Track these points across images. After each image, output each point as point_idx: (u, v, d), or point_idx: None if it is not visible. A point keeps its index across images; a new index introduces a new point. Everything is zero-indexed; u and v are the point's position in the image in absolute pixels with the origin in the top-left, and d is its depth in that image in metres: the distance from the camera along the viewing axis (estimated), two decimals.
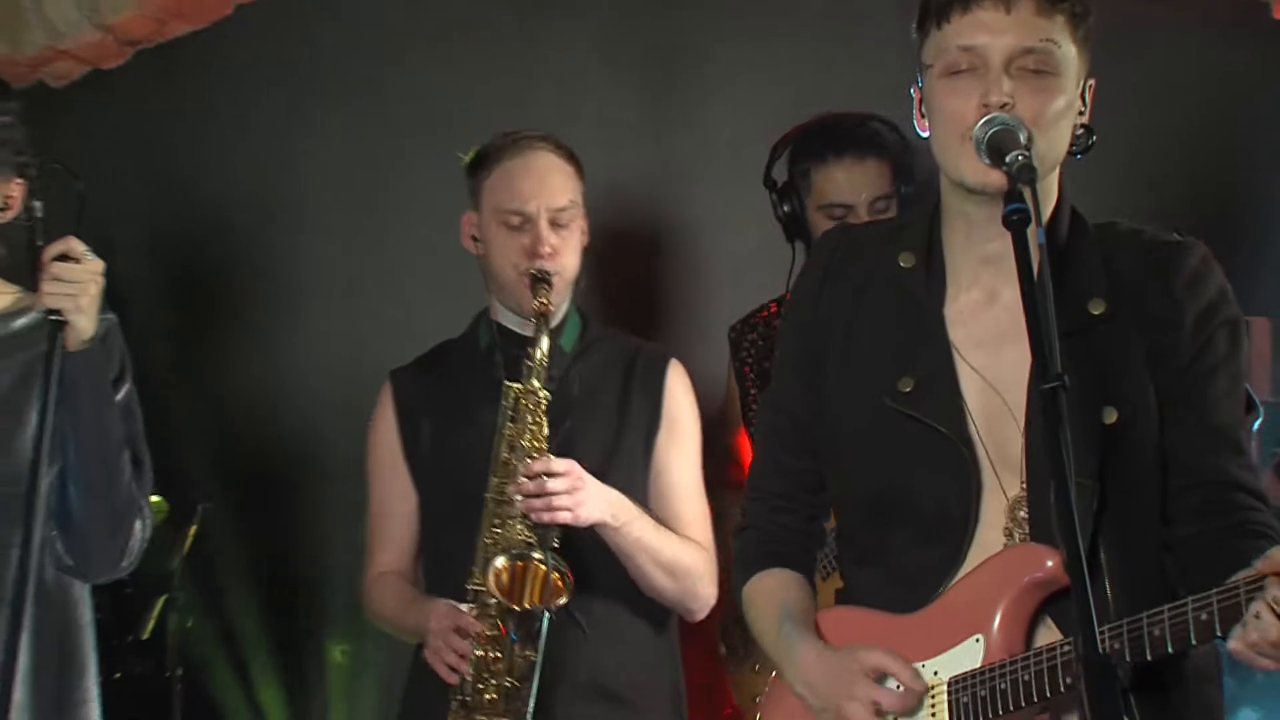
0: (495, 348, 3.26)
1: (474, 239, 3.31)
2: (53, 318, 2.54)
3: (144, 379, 2.80)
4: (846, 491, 2.39)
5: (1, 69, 2.95)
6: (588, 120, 4.13)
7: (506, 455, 3.12)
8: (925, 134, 2.31)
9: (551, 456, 3.07)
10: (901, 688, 2.21)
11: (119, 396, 2.71)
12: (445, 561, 3.19)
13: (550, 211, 3.20)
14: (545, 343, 3.12)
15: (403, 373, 3.40)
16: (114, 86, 4.44)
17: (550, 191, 3.22)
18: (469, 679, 3.02)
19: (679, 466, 3.25)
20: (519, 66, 4.35)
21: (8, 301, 2.76)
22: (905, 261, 2.35)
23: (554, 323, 3.19)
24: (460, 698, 3.04)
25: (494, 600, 3.02)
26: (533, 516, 3.04)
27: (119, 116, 4.42)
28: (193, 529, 3.98)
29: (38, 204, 2.72)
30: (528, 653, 3.03)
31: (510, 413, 3.13)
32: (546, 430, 3.11)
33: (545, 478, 3.03)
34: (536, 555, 3.03)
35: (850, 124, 3.61)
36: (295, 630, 4.31)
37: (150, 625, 3.92)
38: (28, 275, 2.70)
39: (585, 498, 3.04)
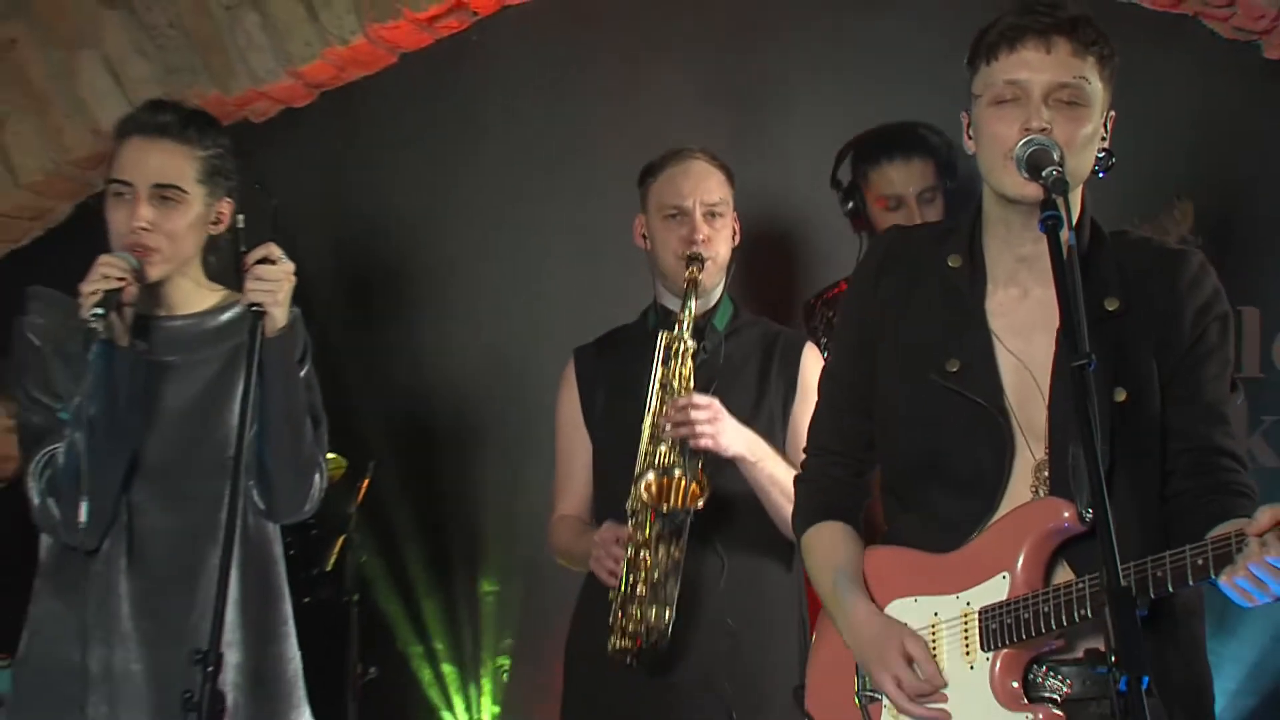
0: (659, 326, 3.21)
1: (643, 237, 3.29)
2: (254, 309, 2.56)
3: (326, 360, 2.82)
4: (896, 451, 2.36)
5: (214, 108, 3.00)
6: (685, 143, 4.10)
7: (659, 392, 3.09)
8: (972, 152, 2.28)
9: (696, 393, 3.04)
10: (925, 669, 2.20)
11: (302, 373, 2.73)
12: (613, 499, 3.14)
13: (704, 206, 3.19)
14: (693, 304, 3.11)
15: (583, 350, 3.38)
16: (302, 122, 4.47)
17: (705, 190, 3.20)
18: (625, 578, 3.00)
19: None
20: (627, 101, 4.33)
21: (218, 299, 2.79)
22: (953, 262, 2.32)
23: (703, 292, 3.16)
24: (618, 594, 3.02)
25: (645, 510, 2.99)
26: (677, 440, 3.01)
27: (306, 146, 4.45)
28: (365, 481, 3.98)
29: (241, 217, 2.76)
30: (673, 551, 3.00)
31: (662, 355, 3.11)
32: (692, 375, 3.08)
33: (691, 409, 2.99)
34: (678, 471, 3.00)
35: (899, 130, 3.62)
36: (447, 565, 4.33)
37: (332, 560, 3.95)
38: (233, 277, 2.74)
39: (724, 428, 3.00)
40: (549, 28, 4.38)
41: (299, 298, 2.69)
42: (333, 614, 3.91)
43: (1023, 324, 2.26)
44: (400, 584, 4.29)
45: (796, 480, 2.51)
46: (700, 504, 2.98)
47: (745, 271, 4.21)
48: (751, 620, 3.12)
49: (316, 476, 2.74)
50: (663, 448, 3.04)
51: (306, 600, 3.84)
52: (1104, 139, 2.23)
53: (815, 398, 3.18)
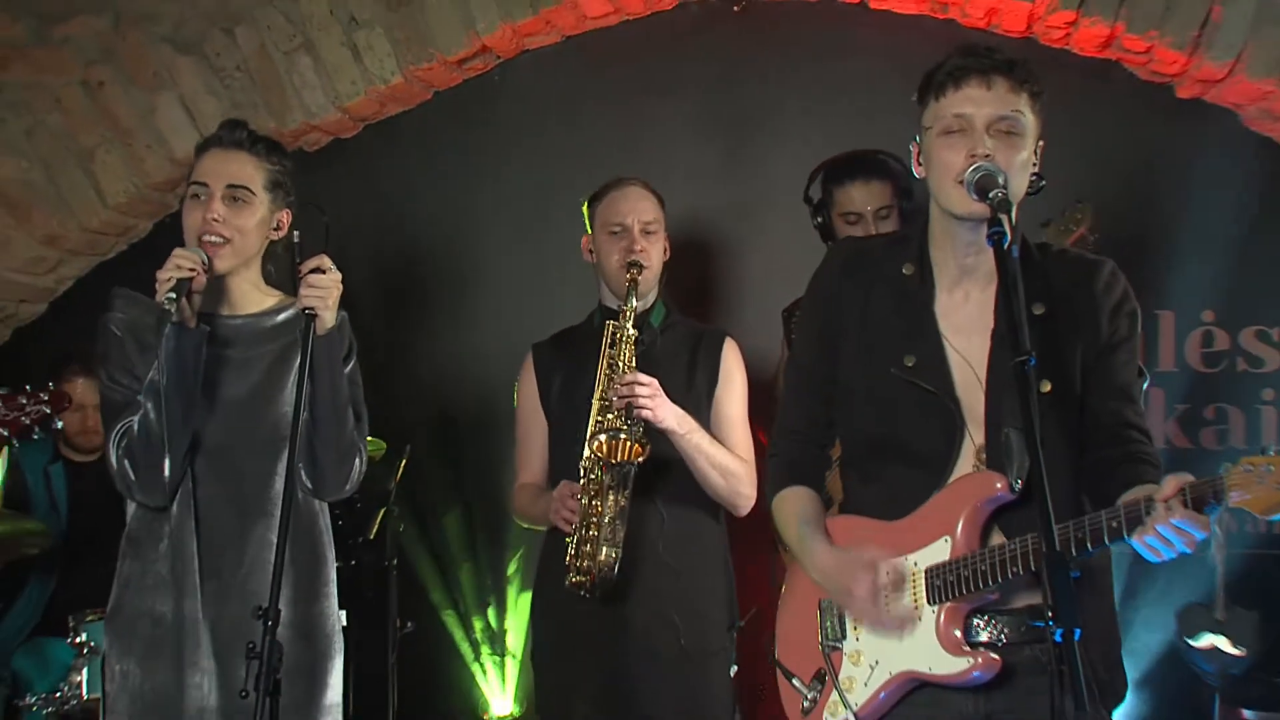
0: (604, 321, 3.28)
1: (589, 251, 3.38)
2: (307, 312, 2.57)
3: (368, 355, 2.82)
4: (857, 432, 2.36)
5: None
6: (680, 170, 4.12)
7: (607, 372, 3.17)
8: (921, 176, 2.29)
9: (639, 372, 3.12)
10: (889, 574, 2.22)
11: (347, 369, 2.73)
12: (567, 467, 3.21)
13: (641, 223, 3.28)
14: (634, 300, 3.20)
15: (540, 345, 3.46)
16: (349, 151, 4.49)
17: (642, 211, 3.30)
18: (579, 524, 3.08)
19: (730, 407, 3.28)
20: (630, 131, 4.34)
21: (274, 301, 2.80)
22: (907, 270, 2.33)
23: (641, 294, 3.24)
24: (574, 537, 3.10)
25: (596, 465, 3.08)
26: (622, 410, 3.08)
27: (353, 171, 4.47)
28: (403, 461, 3.99)
29: (296, 232, 2.77)
30: (620, 499, 3.07)
31: (609, 340, 3.19)
32: (634, 357, 3.16)
33: (636, 385, 3.08)
34: (623, 434, 3.08)
35: (863, 155, 3.60)
36: (475, 533, 4.33)
37: (374, 529, 3.95)
38: (290, 284, 2.74)
39: (661, 403, 3.10)
40: (563, 69, 4.40)
41: (348, 303, 2.69)
42: (375, 576, 3.92)
43: (964, 324, 2.28)
44: (434, 550, 4.30)
45: (768, 458, 2.51)
46: (641, 459, 3.08)
47: (732, 279, 4.23)
48: (690, 562, 3.22)
49: (357, 461, 2.74)
50: (610, 415, 3.12)
51: (353, 564, 3.85)
52: (1035, 165, 2.25)
53: (735, 383, 3.31)
